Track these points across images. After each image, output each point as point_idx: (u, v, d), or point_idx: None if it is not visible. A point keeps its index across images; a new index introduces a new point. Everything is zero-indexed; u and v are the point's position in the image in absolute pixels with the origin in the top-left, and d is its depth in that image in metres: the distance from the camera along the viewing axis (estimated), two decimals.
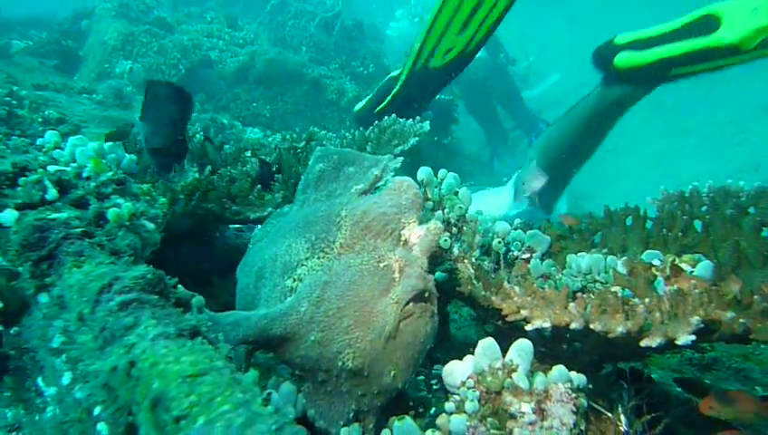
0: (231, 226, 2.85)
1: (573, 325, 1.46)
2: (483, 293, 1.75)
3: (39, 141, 2.34)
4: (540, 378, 1.35)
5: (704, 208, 2.25)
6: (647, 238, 2.30)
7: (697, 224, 2.21)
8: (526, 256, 2.15)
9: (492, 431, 1.26)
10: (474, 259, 1.89)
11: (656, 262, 1.89)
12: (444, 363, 2.13)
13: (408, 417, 1.32)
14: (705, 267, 1.79)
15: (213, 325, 1.15)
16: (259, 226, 2.13)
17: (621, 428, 1.64)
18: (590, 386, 1.49)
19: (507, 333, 1.83)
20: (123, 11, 8.66)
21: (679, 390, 2.67)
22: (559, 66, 15.07)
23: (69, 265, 1.29)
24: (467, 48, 4.41)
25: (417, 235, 1.51)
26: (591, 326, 1.44)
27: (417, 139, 2.31)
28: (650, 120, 11.61)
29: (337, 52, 10.12)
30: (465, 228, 1.95)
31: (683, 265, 1.81)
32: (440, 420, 1.32)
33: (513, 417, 1.30)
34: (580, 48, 15.70)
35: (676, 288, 1.55)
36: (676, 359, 3.08)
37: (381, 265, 1.43)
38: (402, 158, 1.96)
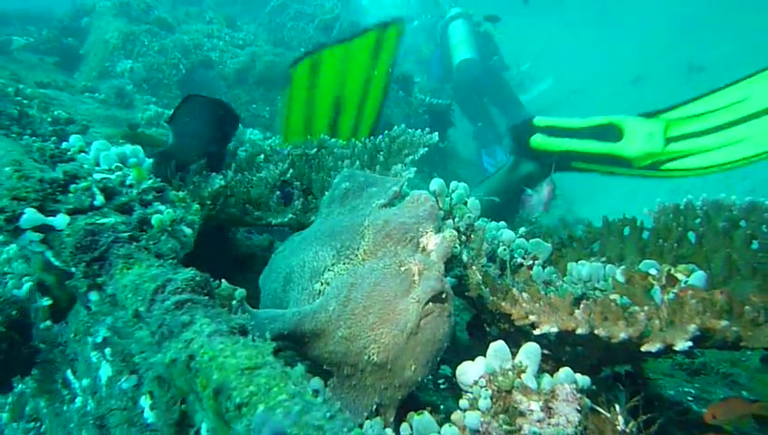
0: (242, 228, 2.95)
1: (579, 331, 1.57)
2: (491, 298, 1.86)
3: (64, 145, 2.43)
4: (547, 379, 1.46)
5: (697, 221, 2.36)
6: (643, 248, 2.42)
7: (691, 235, 2.34)
8: (529, 262, 2.26)
9: (504, 427, 1.36)
10: (481, 265, 2.01)
11: (652, 271, 2.01)
12: (449, 364, 2.25)
13: (426, 412, 1.43)
14: (698, 277, 1.91)
15: (252, 320, 1.26)
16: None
17: (618, 427, 1.76)
18: (593, 387, 1.60)
19: (512, 336, 1.94)
20: (124, 10, 8.70)
21: (672, 392, 2.80)
22: (553, 71, 15.24)
23: (120, 267, 1.39)
24: None
25: (434, 242, 1.63)
26: (596, 332, 1.56)
27: (426, 149, 2.42)
28: None
29: None
30: (473, 236, 2.07)
31: (678, 275, 1.93)
32: (455, 416, 1.42)
33: (522, 414, 1.40)
34: (574, 54, 15.92)
35: (674, 297, 1.67)
36: (668, 363, 3.21)
37: (402, 268, 1.55)
38: (415, 168, 2.07)
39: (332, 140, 2.81)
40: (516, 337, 1.90)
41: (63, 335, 2.04)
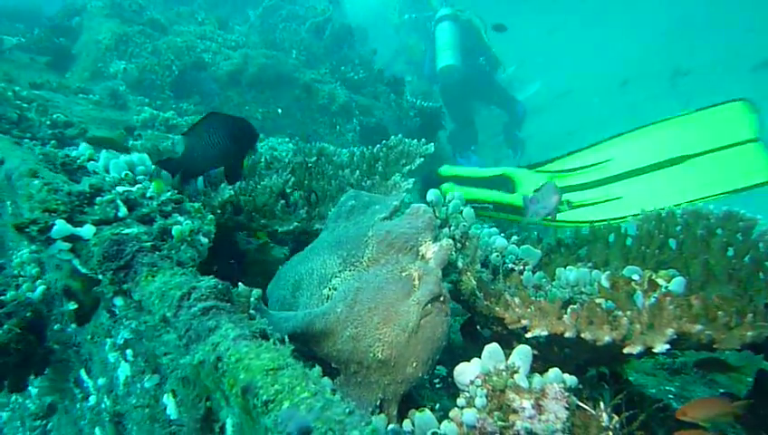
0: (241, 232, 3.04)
1: (567, 334, 1.70)
2: (485, 303, 1.98)
3: (74, 153, 2.52)
4: (538, 379, 1.58)
5: (678, 228, 2.50)
6: (627, 254, 2.56)
7: (672, 242, 2.48)
8: (520, 268, 2.39)
9: (498, 423, 1.49)
10: (475, 271, 2.13)
11: (635, 277, 2.14)
12: (445, 365, 2.38)
13: (426, 409, 1.55)
14: (678, 283, 2.04)
15: (268, 320, 1.38)
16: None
17: (603, 423, 1.89)
18: (579, 387, 1.72)
19: (504, 338, 2.07)
20: (116, 10, 8.71)
21: (653, 391, 2.95)
22: (541, 74, 15.43)
23: (145, 274, 1.50)
24: None
25: (433, 250, 1.77)
26: (582, 336, 1.69)
27: (422, 159, 2.54)
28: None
29: (327, 56, 10.27)
30: (467, 243, 2.19)
31: (659, 280, 2.07)
32: (453, 413, 1.54)
33: (515, 411, 1.52)
34: (561, 57, 16.10)
35: (654, 302, 1.80)
36: (650, 363, 3.36)
37: (404, 274, 1.68)
38: (414, 179, 2.20)
39: (331, 147, 2.92)
40: (509, 339, 2.03)
41: (78, 337, 2.14)
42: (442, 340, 1.66)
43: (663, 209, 2.61)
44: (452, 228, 2.19)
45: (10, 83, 6.11)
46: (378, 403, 1.61)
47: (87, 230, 1.65)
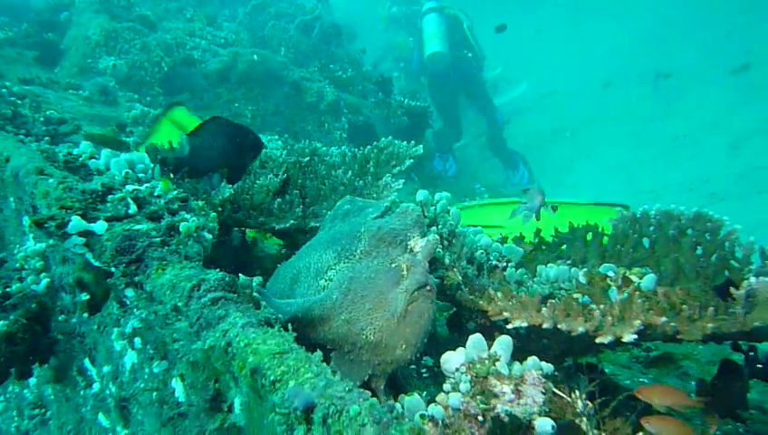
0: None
1: (545, 326, 1.84)
2: (470, 297, 2.12)
3: (75, 151, 2.61)
4: (517, 366, 1.72)
5: (651, 228, 2.65)
6: (604, 252, 2.71)
7: (645, 241, 2.63)
8: (503, 265, 2.53)
9: (480, 406, 1.61)
10: (461, 267, 2.26)
11: (610, 273, 2.29)
12: (431, 356, 2.51)
13: (415, 393, 1.68)
14: (650, 279, 2.19)
15: (269, 304, 1.51)
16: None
17: (578, 409, 2.04)
18: (555, 374, 1.86)
19: (487, 330, 2.21)
20: (106, 6, 8.71)
21: (628, 382, 3.11)
22: (526, 75, 15.64)
23: (155, 268, 1.61)
24: None
25: (420, 245, 1.91)
26: (559, 326, 1.83)
27: (411, 161, 2.66)
28: (612, 131, 12.27)
29: (316, 54, 10.36)
30: (454, 241, 2.32)
31: (632, 277, 2.21)
32: (440, 398, 1.67)
33: (496, 396, 1.66)
34: (546, 58, 16.28)
35: (626, 297, 1.95)
36: (625, 356, 3.53)
37: (393, 265, 1.82)
38: (403, 180, 2.33)
39: (323, 147, 3.03)
40: (491, 331, 2.16)
41: (83, 327, 2.24)
42: (428, 324, 1.79)
43: (638, 211, 2.76)
44: (440, 227, 2.33)
45: (1, 79, 6.15)
46: (366, 378, 1.74)
47: (100, 226, 1.75)
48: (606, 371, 2.83)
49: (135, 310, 1.71)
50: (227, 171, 2.29)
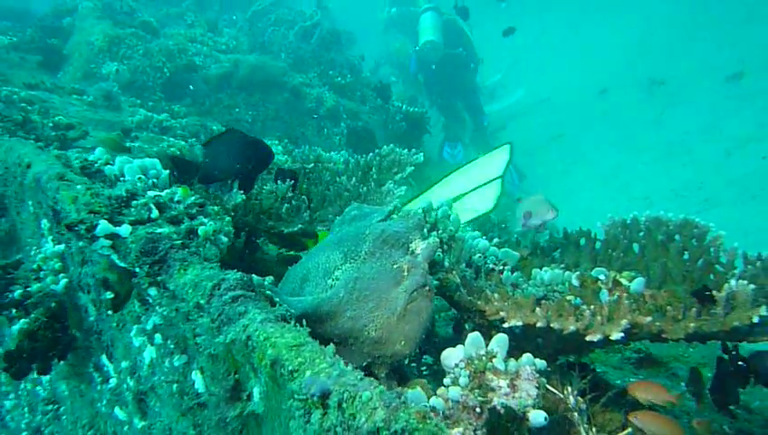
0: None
1: (538, 324, 1.96)
2: (468, 297, 2.24)
3: (91, 157, 2.73)
4: (512, 362, 1.84)
5: (641, 234, 2.78)
6: (596, 257, 2.84)
7: (635, 247, 2.76)
8: (500, 268, 2.65)
9: (478, 399, 1.74)
10: (460, 270, 2.39)
11: (601, 277, 2.41)
12: (431, 354, 2.63)
13: (418, 386, 1.80)
14: (639, 282, 2.31)
15: (283, 302, 1.63)
16: None
17: (570, 405, 2.16)
18: (549, 370, 1.99)
19: (485, 329, 2.33)
20: (108, 12, 8.82)
21: (618, 381, 3.23)
22: (524, 80, 15.82)
23: (177, 268, 1.73)
24: None
25: (421, 247, 2.03)
26: (551, 325, 1.95)
27: (412, 168, 2.79)
28: (607, 137, 12.42)
29: (315, 60, 10.48)
30: (453, 245, 2.45)
31: (622, 280, 2.34)
32: (440, 391, 1.79)
33: (493, 390, 1.78)
34: (543, 65, 16.44)
35: (616, 298, 2.08)
36: (617, 357, 3.65)
37: (395, 266, 1.94)
38: (405, 186, 2.45)
39: (327, 154, 3.16)
40: (488, 330, 2.28)
41: (100, 325, 2.36)
42: (426, 322, 1.92)
43: (628, 217, 2.89)
44: (440, 231, 2.45)
45: (6, 83, 6.25)
46: (364, 364, 1.86)
47: (125, 229, 1.87)
48: (598, 370, 2.96)
49: (157, 307, 1.83)
50: (240, 179, 2.41)
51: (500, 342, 1.89)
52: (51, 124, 4.65)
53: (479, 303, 2.18)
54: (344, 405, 1.16)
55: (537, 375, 1.83)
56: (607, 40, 16.03)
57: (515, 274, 2.60)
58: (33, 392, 3.31)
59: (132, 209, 1.96)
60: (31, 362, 2.29)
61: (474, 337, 1.89)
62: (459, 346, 1.91)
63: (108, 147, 4.71)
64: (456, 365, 1.86)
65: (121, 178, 2.52)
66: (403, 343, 1.87)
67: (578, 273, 2.51)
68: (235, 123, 8.49)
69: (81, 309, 2.43)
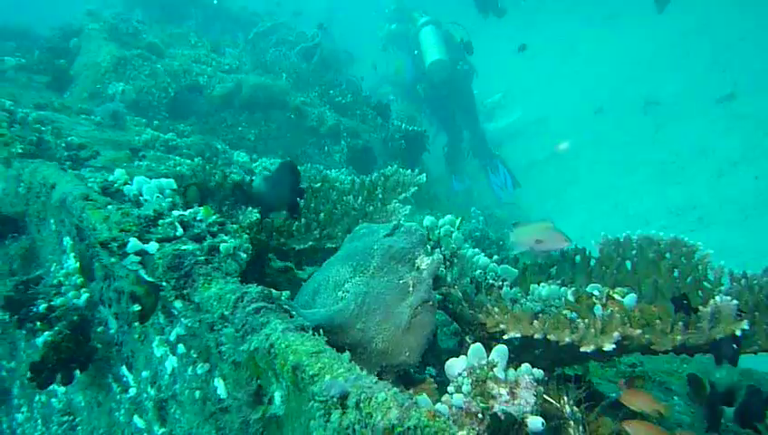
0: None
1: (536, 336, 2.10)
2: (469, 311, 2.38)
3: (110, 178, 2.88)
4: (512, 371, 1.97)
5: (633, 252, 2.92)
6: (590, 273, 2.98)
7: (628, 264, 2.90)
8: (499, 284, 2.79)
9: (480, 405, 1.86)
10: (462, 285, 2.53)
11: (596, 292, 2.55)
12: (433, 366, 2.76)
13: (424, 393, 1.92)
14: (630, 298, 2.45)
15: (298, 314, 1.77)
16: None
17: (566, 413, 2.29)
18: (546, 379, 2.12)
19: (484, 342, 2.46)
20: (115, 34, 9.01)
21: (613, 394, 3.35)
22: (521, 101, 16.07)
23: (201, 282, 1.87)
24: None
25: (426, 263, 2.17)
26: (548, 337, 2.09)
27: (416, 188, 2.94)
28: (602, 156, 12.63)
29: (316, 79, 10.68)
30: (455, 262, 2.59)
31: (615, 296, 2.48)
32: (445, 398, 1.92)
33: (494, 397, 1.91)
34: (538, 85, 16.69)
35: (608, 312, 2.22)
36: (612, 371, 3.78)
37: (401, 281, 2.09)
38: (410, 206, 2.60)
39: (333, 174, 3.31)
40: (488, 342, 2.41)
41: (120, 337, 2.48)
42: (429, 334, 2.07)
43: (621, 236, 3.03)
44: (443, 248, 2.60)
45: (17, 104, 6.41)
46: (375, 374, 1.99)
47: (152, 246, 2.01)
48: (593, 382, 3.09)
49: (182, 319, 1.96)
50: (291, 206, 2.59)
51: (500, 352, 2.02)
52: (63, 144, 4.78)
53: (480, 316, 2.32)
54: (361, 405, 1.29)
55: (535, 384, 1.97)
56: (602, 60, 16.32)
57: (514, 289, 2.73)
58: (48, 404, 3.41)
59: (159, 228, 2.10)
60: (55, 373, 2.41)
61: (475, 348, 2.02)
62: (462, 356, 2.04)
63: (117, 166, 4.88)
64: (459, 374, 1.99)
65: (141, 198, 2.67)
66: (408, 353, 2.01)
67: (573, 289, 2.65)
68: (238, 141, 8.66)
69: (103, 322, 2.55)
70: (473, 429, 1.83)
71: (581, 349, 2.03)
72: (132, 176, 2.89)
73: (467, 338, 2.66)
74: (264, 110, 9.03)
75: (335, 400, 1.33)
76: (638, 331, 2.00)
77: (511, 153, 12.11)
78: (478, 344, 2.03)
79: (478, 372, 1.96)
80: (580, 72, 16.43)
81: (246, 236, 2.24)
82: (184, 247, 2.00)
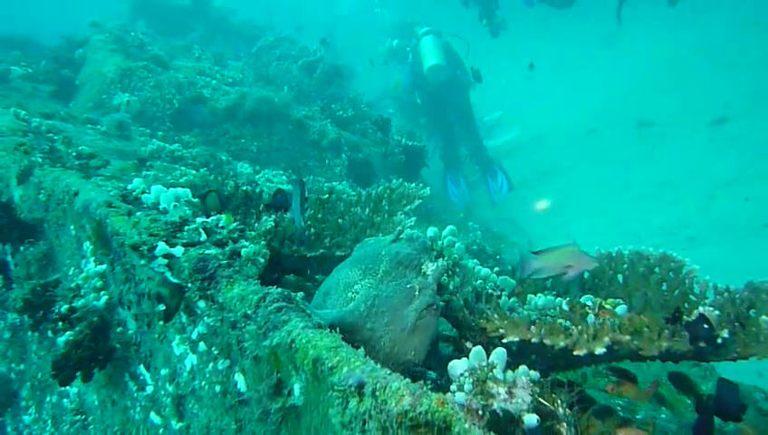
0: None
1: (533, 340, 2.25)
2: (470, 317, 2.53)
3: (129, 187, 3.02)
4: (510, 373, 2.12)
5: (624, 266, 3.08)
6: (584, 285, 3.14)
7: (620, 277, 3.06)
8: (498, 293, 2.94)
9: (481, 403, 2.01)
10: (463, 294, 2.68)
11: (589, 303, 2.71)
12: (434, 370, 2.90)
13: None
14: (621, 309, 2.61)
15: (314, 314, 1.91)
16: None
17: (559, 415, 2.44)
18: (541, 381, 2.26)
19: (484, 347, 2.60)
20: (121, 45, 9.18)
21: (604, 402, 3.49)
22: (519, 120, 16.33)
23: (224, 284, 2.02)
24: None
25: (431, 269, 2.33)
26: (544, 341, 2.23)
27: (420, 201, 3.10)
28: (596, 174, 12.85)
29: (318, 93, 10.89)
30: (457, 271, 2.74)
31: (607, 306, 2.64)
32: (447, 396, 2.06)
33: (493, 396, 2.05)
34: (535, 103, 16.95)
35: (601, 321, 2.37)
36: (604, 381, 3.93)
37: (408, 286, 2.24)
38: (415, 217, 2.75)
39: (339, 186, 3.46)
40: (488, 348, 2.56)
41: (139, 337, 2.62)
42: (433, 335, 2.22)
43: (613, 250, 3.19)
44: (445, 258, 2.74)
45: (29, 115, 6.56)
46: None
47: (178, 250, 2.16)
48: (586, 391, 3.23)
49: (205, 318, 2.10)
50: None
51: (499, 355, 2.16)
52: (74, 153, 4.93)
53: (481, 321, 2.47)
54: (377, 393, 1.44)
55: (531, 384, 2.11)
56: (597, 82, 16.63)
57: (512, 299, 2.88)
58: (59, 405, 3.52)
59: (184, 233, 2.25)
60: (76, 371, 2.54)
61: (477, 351, 2.17)
62: (464, 358, 2.19)
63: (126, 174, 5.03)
64: (461, 374, 2.13)
65: (159, 206, 2.82)
66: (413, 353, 2.16)
67: (568, 299, 2.80)
68: (240, 153, 8.82)
69: (121, 323, 2.69)
70: (473, 424, 1.97)
71: (575, 353, 2.18)
72: (149, 185, 3.04)
73: (467, 344, 2.80)
74: (267, 122, 9.19)
75: (353, 389, 1.47)
76: (628, 337, 2.16)
77: (508, 170, 12.29)
78: (479, 347, 2.17)
79: (479, 372, 2.10)
80: (576, 93, 16.73)
81: (264, 242, 2.38)
82: (208, 252, 2.15)
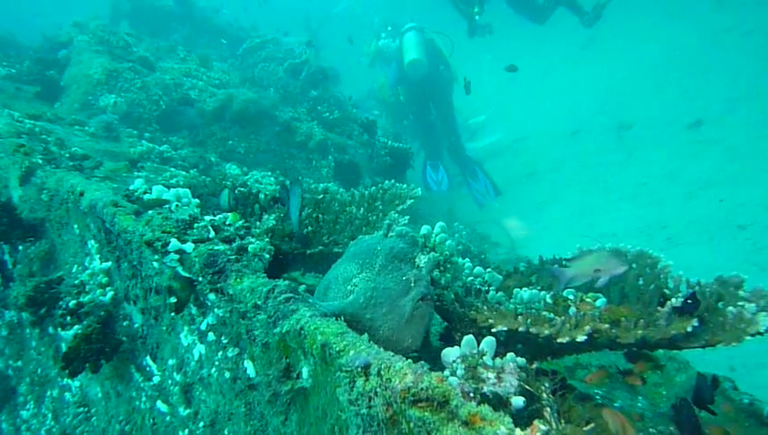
0: None
1: (520, 329, 2.42)
2: (461, 310, 2.69)
3: (132, 187, 3.14)
4: (498, 360, 2.28)
5: None
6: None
7: None
8: (486, 288, 3.11)
9: (472, 386, 2.17)
10: (454, 288, 2.84)
11: (571, 296, 2.89)
12: (428, 362, 3.05)
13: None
14: (601, 302, 2.79)
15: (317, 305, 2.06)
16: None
17: (543, 400, 2.61)
18: (527, 368, 2.43)
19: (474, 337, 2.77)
20: (106, 47, 9.20)
21: (584, 391, 3.68)
22: (503, 123, 16.60)
23: (233, 277, 2.16)
24: None
25: (424, 261, 2.48)
26: (530, 330, 2.40)
27: (412, 201, 3.25)
28: (578, 176, 13.12)
29: (303, 95, 10.98)
30: (448, 267, 2.90)
31: (587, 300, 2.82)
32: (446, 373, 2.21)
33: (483, 380, 2.21)
34: (517, 107, 17.21)
35: (582, 313, 2.55)
36: (584, 373, 4.12)
37: (404, 278, 2.39)
38: (408, 217, 2.91)
39: (333, 186, 3.60)
40: (478, 339, 2.73)
41: (146, 330, 2.74)
42: (428, 324, 2.38)
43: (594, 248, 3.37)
44: (438, 254, 2.91)
45: (19, 115, 6.59)
46: None
47: (189, 246, 2.29)
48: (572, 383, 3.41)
49: (215, 309, 2.23)
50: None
51: (488, 343, 2.33)
52: (67, 154, 4.99)
53: (471, 313, 2.63)
54: (382, 372, 1.59)
55: (518, 370, 2.28)
56: (579, 85, 16.95)
57: (499, 293, 3.05)
58: (60, 399, 3.62)
59: (194, 230, 2.38)
60: (84, 363, 2.66)
61: (468, 339, 2.33)
62: (456, 347, 2.35)
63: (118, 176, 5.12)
64: (454, 361, 2.30)
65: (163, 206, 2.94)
66: (410, 340, 2.31)
67: (551, 293, 2.98)
68: (228, 154, 8.89)
69: (127, 318, 2.81)
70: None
71: (558, 340, 2.36)
72: (151, 185, 3.15)
73: (456, 336, 2.96)
74: (254, 124, 9.26)
75: (359, 369, 1.62)
76: (607, 326, 2.34)
77: (492, 172, 12.51)
78: (470, 336, 2.34)
79: (470, 359, 2.27)
80: (558, 96, 17.03)
81: (268, 239, 2.52)
82: (217, 248, 2.29)
